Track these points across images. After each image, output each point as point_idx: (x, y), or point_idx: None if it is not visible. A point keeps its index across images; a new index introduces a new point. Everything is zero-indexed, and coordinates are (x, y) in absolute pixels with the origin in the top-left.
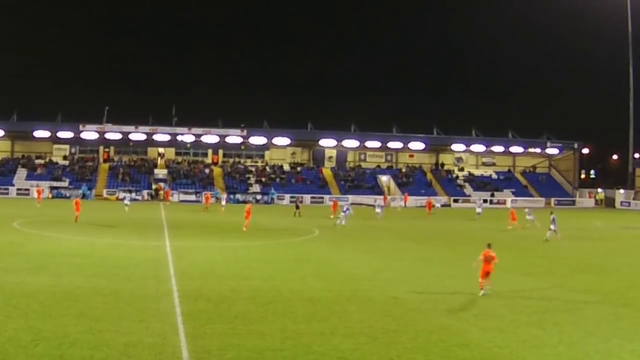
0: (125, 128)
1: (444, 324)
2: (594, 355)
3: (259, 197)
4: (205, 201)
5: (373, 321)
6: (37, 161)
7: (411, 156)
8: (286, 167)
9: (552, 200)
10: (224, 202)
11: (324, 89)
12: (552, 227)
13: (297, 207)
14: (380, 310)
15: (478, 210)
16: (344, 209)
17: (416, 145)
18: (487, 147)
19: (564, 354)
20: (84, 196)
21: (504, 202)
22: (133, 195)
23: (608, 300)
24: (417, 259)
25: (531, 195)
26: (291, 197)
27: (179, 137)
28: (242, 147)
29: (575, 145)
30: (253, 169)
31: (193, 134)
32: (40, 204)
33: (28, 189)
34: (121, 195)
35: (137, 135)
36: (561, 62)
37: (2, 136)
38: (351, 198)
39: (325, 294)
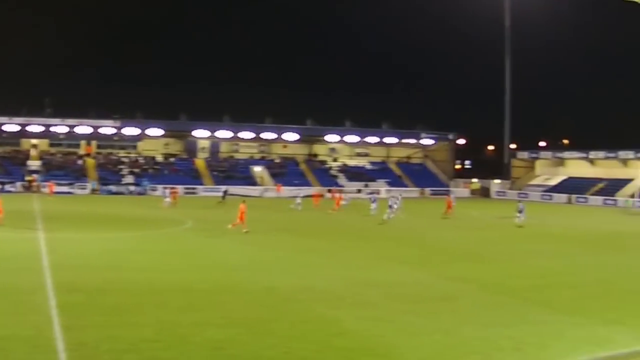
0: None
1: (320, 313)
2: (472, 342)
3: (132, 188)
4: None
5: (249, 311)
6: None
7: (285, 147)
8: (159, 158)
9: (427, 190)
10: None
11: (197, 80)
12: (519, 215)
13: (223, 197)
14: (255, 301)
15: (520, 206)
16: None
17: (290, 136)
18: (361, 138)
19: (442, 342)
20: None
21: (379, 192)
22: (7, 187)
23: (485, 288)
24: (293, 250)
25: (406, 185)
26: (164, 187)
27: (53, 128)
28: (116, 138)
29: (450, 136)
30: (126, 159)
31: (66, 125)
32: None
33: None
34: None
35: (10, 127)
36: (437, 53)
37: None
38: (225, 188)
39: (200, 285)
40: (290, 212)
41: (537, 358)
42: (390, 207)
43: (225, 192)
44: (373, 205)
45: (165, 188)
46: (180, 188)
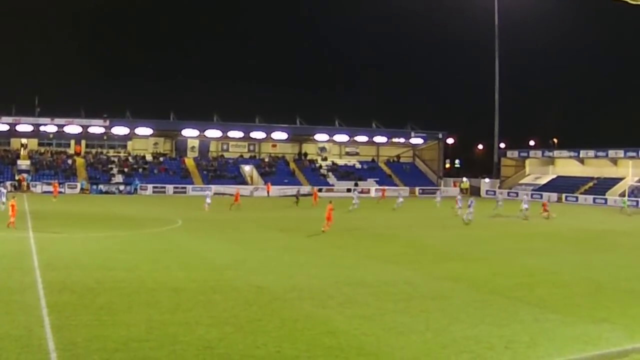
0: None
1: (309, 312)
2: (462, 341)
3: (121, 187)
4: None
5: (238, 310)
6: None
7: (274, 146)
8: (149, 158)
9: (417, 189)
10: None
11: (186, 79)
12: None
13: (297, 198)
14: (245, 300)
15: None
16: (469, 203)
17: (279, 135)
18: (350, 137)
19: (432, 341)
20: None
21: (368, 191)
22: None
23: (474, 287)
24: (281, 248)
25: (395, 185)
26: (154, 187)
27: (42, 128)
28: (105, 138)
29: (440, 135)
30: (116, 159)
31: (56, 125)
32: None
33: None
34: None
35: (0, 126)
36: (426, 52)
37: None
38: (214, 188)
39: (189, 284)
40: (282, 210)
41: (527, 357)
42: (469, 207)
43: (298, 192)
44: (459, 204)
45: (210, 190)
46: (169, 187)
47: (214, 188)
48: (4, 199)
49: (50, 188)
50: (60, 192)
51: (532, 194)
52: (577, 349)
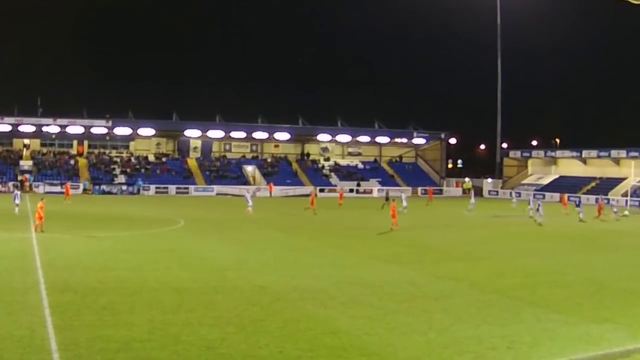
0: None
1: (311, 312)
2: (465, 341)
3: (124, 187)
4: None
5: (240, 310)
6: None
7: (276, 146)
8: (151, 158)
9: (419, 189)
10: None
11: (188, 79)
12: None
13: (387, 199)
14: (247, 300)
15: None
16: (537, 206)
17: (281, 135)
18: (352, 137)
19: (434, 341)
20: None
21: (370, 192)
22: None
23: (477, 287)
24: (283, 249)
25: (398, 185)
26: (157, 187)
27: (44, 128)
28: (107, 138)
29: (442, 135)
30: (118, 159)
31: (58, 125)
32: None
33: None
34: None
35: (2, 127)
36: (429, 53)
37: None
38: (217, 188)
39: (191, 284)
40: (278, 210)
41: (529, 357)
42: (538, 210)
43: (387, 193)
44: (531, 205)
45: (248, 191)
46: (172, 187)
47: (217, 188)
48: (17, 201)
49: (54, 189)
50: (62, 193)
51: (534, 194)
52: (580, 349)
